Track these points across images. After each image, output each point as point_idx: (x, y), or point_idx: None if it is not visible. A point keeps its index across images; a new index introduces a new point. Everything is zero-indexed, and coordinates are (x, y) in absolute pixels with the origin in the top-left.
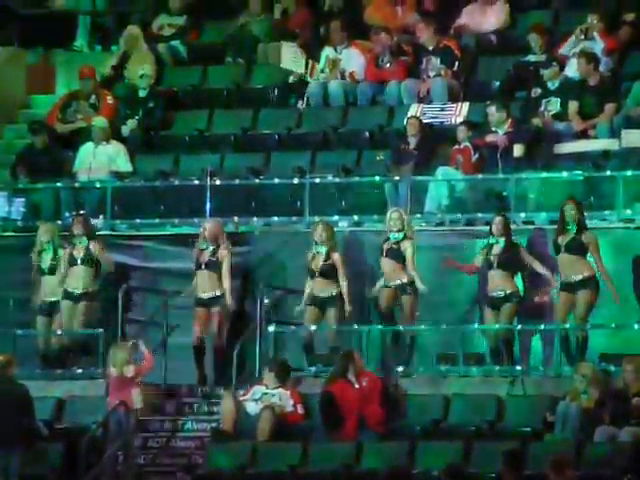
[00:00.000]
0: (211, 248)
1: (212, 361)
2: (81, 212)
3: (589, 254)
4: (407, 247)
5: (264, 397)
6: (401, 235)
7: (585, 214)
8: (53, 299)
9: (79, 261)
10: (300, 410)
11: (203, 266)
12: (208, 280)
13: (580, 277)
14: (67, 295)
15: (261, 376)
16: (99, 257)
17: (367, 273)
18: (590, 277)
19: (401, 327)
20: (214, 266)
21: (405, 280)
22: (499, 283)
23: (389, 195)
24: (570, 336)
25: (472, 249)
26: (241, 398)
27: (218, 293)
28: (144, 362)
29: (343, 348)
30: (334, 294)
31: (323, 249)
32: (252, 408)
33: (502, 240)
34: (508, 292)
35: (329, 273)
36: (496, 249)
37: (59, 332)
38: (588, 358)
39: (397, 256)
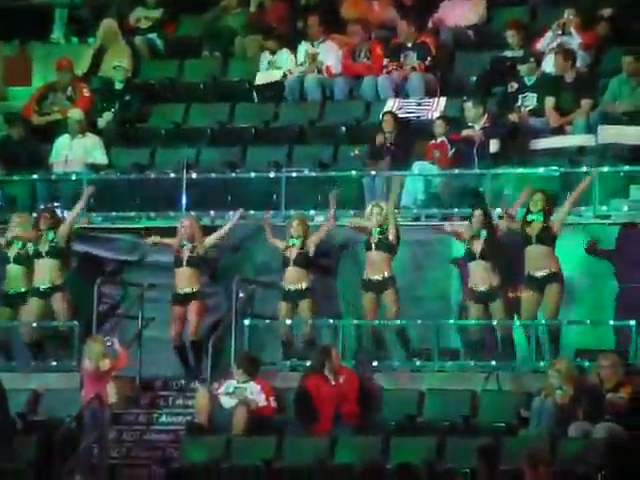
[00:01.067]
0: (190, 245)
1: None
2: (46, 206)
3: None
4: (394, 237)
5: (237, 390)
6: (385, 226)
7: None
8: (16, 291)
9: (44, 254)
10: (272, 403)
11: (184, 263)
12: (188, 277)
13: (547, 272)
14: (35, 292)
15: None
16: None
17: (342, 267)
18: (556, 272)
19: (376, 322)
20: (194, 262)
21: (387, 274)
22: (483, 276)
23: (367, 189)
24: (541, 333)
25: (448, 244)
26: (215, 392)
27: (196, 289)
28: (119, 359)
29: (317, 341)
30: (305, 287)
31: (297, 241)
32: (226, 402)
33: (483, 233)
34: (494, 285)
35: (303, 263)
36: (477, 242)
37: (34, 324)
38: (563, 354)
39: (387, 247)
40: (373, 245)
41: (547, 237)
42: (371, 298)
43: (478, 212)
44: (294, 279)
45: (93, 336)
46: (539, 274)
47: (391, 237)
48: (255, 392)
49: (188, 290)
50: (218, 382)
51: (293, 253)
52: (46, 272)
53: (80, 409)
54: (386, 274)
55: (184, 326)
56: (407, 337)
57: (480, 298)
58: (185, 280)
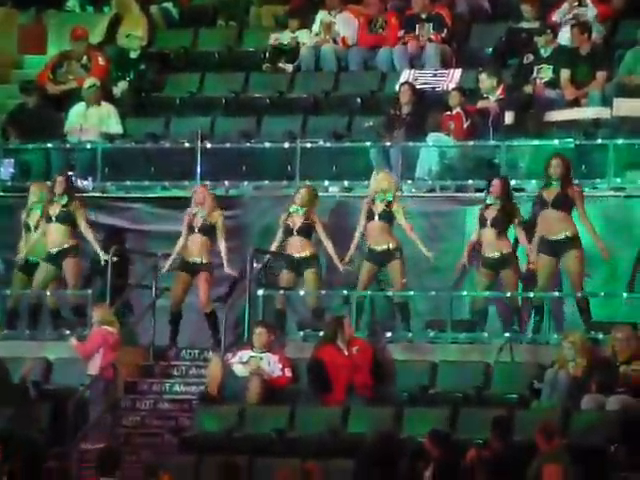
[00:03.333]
0: (203, 212)
1: (195, 324)
2: (66, 173)
3: (575, 209)
4: (399, 209)
5: (252, 360)
6: (390, 196)
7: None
8: (34, 258)
9: (54, 219)
10: (288, 373)
11: (196, 229)
12: (200, 245)
13: (563, 236)
14: (47, 256)
15: (249, 340)
16: (77, 215)
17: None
18: (575, 236)
19: (390, 293)
20: (207, 230)
21: (393, 245)
22: (493, 243)
23: (375, 160)
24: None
25: (462, 215)
26: (228, 361)
27: (205, 260)
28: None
29: (325, 310)
30: (309, 254)
31: (301, 210)
32: (240, 371)
33: (498, 202)
34: (504, 252)
35: (306, 232)
36: (492, 210)
37: (48, 293)
38: (576, 326)
39: (389, 218)
40: (377, 215)
41: (564, 203)
42: (370, 269)
43: (497, 181)
44: (298, 248)
45: (98, 304)
46: (554, 238)
47: (395, 207)
48: (272, 362)
49: (197, 260)
50: (232, 352)
51: (297, 222)
52: (57, 236)
53: (91, 379)
54: (391, 245)
55: (185, 295)
56: (409, 311)
57: (491, 265)
58: (196, 249)
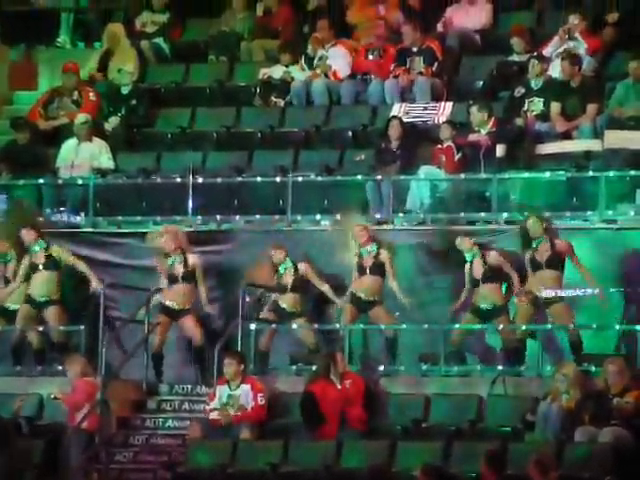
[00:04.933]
0: (180, 258)
1: (188, 360)
2: (30, 222)
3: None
4: (386, 258)
5: (231, 400)
6: (375, 247)
7: (551, 222)
8: (14, 306)
9: (41, 267)
10: (260, 401)
11: (180, 279)
12: (184, 294)
13: (555, 293)
14: (29, 300)
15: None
16: (62, 254)
17: (348, 272)
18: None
19: (383, 326)
20: (190, 277)
21: (378, 298)
22: (488, 295)
23: (370, 195)
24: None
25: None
26: (208, 409)
27: (189, 305)
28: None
29: (323, 349)
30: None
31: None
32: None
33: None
34: (498, 305)
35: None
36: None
37: (40, 329)
38: (569, 358)
39: (381, 271)
40: (368, 269)
41: (558, 261)
42: (352, 310)
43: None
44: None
45: (71, 357)
46: (546, 296)
47: (382, 258)
48: (248, 394)
49: (183, 307)
50: (213, 390)
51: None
52: (43, 285)
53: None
54: (377, 297)
55: (166, 337)
56: (397, 346)
57: (483, 315)
58: (180, 297)
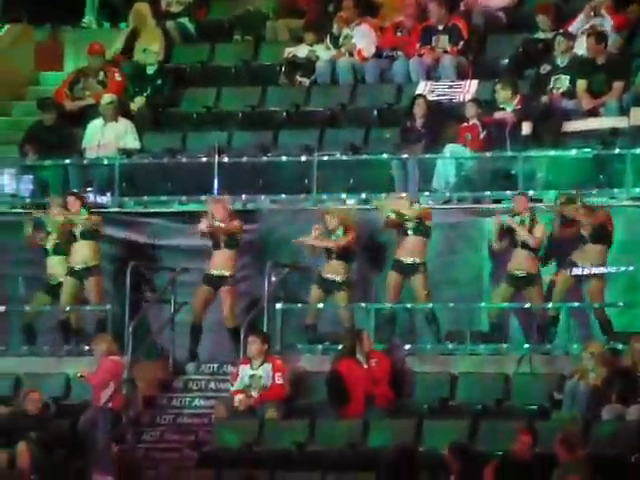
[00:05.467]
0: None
1: (214, 338)
2: (75, 191)
3: None
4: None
5: (252, 381)
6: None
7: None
8: (57, 281)
9: (78, 236)
10: (278, 380)
11: (222, 244)
12: (225, 259)
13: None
14: (71, 272)
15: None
16: (98, 228)
17: (374, 250)
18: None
19: (409, 305)
20: (232, 244)
21: (419, 260)
22: (522, 262)
23: (396, 173)
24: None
25: (479, 227)
26: (232, 391)
27: (229, 273)
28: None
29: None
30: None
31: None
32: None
33: (527, 218)
34: (531, 273)
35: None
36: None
37: (67, 308)
38: (596, 336)
39: (424, 232)
40: (410, 229)
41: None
42: (397, 278)
43: (519, 197)
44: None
45: (100, 335)
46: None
47: (427, 221)
48: (269, 374)
49: (223, 273)
50: (236, 370)
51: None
52: (81, 254)
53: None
54: (418, 259)
55: (207, 308)
56: (436, 322)
57: (516, 283)
58: (221, 262)
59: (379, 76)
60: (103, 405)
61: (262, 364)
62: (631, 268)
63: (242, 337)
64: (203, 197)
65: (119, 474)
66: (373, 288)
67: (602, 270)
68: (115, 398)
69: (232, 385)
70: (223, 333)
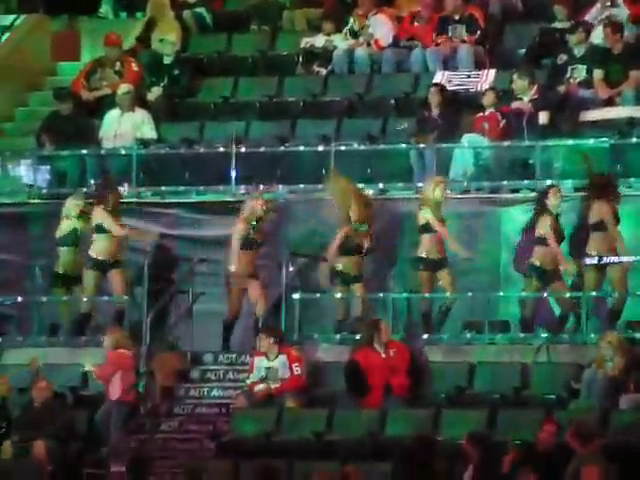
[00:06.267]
0: (258, 226)
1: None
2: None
3: None
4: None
5: (269, 373)
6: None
7: None
8: (71, 274)
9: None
10: (296, 371)
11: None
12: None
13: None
14: (94, 264)
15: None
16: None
17: (392, 240)
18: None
19: (426, 295)
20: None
21: (443, 255)
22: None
23: (414, 163)
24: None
25: (497, 217)
26: (250, 382)
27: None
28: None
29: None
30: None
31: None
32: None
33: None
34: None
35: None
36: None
37: (84, 299)
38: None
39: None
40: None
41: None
42: (428, 276)
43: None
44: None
45: (111, 329)
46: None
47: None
48: (285, 365)
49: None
50: (251, 361)
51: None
52: (106, 245)
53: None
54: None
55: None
56: (448, 316)
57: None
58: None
59: (396, 66)
60: (117, 398)
61: (277, 356)
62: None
63: (260, 327)
64: (221, 187)
65: (130, 466)
66: (391, 279)
67: (618, 259)
68: (128, 390)
69: (249, 377)
70: (241, 323)
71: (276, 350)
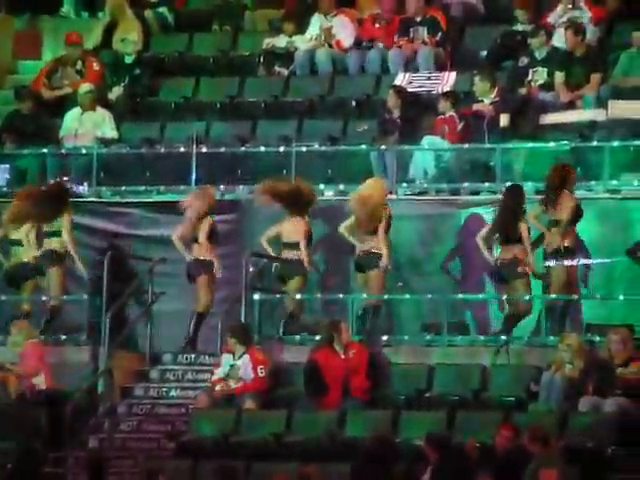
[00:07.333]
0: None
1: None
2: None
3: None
4: None
5: (231, 371)
6: None
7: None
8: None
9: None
10: (260, 373)
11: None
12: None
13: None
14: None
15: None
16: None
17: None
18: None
19: (386, 296)
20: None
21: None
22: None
23: (375, 164)
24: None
25: (457, 218)
26: (214, 379)
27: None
28: None
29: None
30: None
31: None
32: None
33: None
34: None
35: None
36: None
37: (44, 298)
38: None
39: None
40: None
41: None
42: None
43: None
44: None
45: (16, 323)
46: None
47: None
48: (248, 366)
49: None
50: (219, 358)
51: None
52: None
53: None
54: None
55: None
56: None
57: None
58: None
59: (358, 67)
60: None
61: (242, 355)
62: (607, 261)
63: (219, 326)
64: (181, 187)
65: (89, 466)
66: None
67: (578, 262)
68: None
69: (214, 373)
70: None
71: (241, 350)
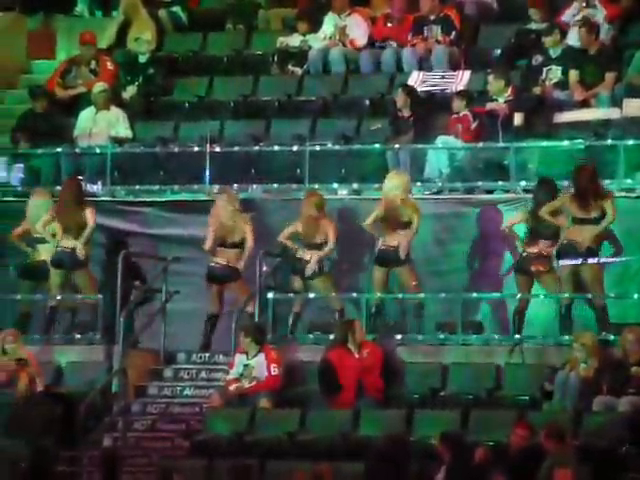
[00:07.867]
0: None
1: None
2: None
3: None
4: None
5: (245, 371)
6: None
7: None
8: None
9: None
10: (274, 371)
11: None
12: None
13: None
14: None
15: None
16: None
17: (365, 241)
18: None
19: (400, 295)
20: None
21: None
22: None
23: (390, 163)
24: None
25: (471, 217)
26: (228, 378)
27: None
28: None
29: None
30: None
31: None
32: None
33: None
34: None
35: None
36: None
37: (58, 297)
38: (588, 327)
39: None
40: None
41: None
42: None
43: None
44: None
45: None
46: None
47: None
48: (262, 365)
49: None
50: (233, 358)
51: None
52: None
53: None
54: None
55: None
56: (422, 313)
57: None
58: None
59: (372, 66)
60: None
61: (256, 354)
62: (623, 259)
63: (233, 326)
64: (195, 186)
65: (103, 465)
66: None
67: (594, 260)
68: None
69: (229, 372)
70: (219, 323)
71: (255, 349)
